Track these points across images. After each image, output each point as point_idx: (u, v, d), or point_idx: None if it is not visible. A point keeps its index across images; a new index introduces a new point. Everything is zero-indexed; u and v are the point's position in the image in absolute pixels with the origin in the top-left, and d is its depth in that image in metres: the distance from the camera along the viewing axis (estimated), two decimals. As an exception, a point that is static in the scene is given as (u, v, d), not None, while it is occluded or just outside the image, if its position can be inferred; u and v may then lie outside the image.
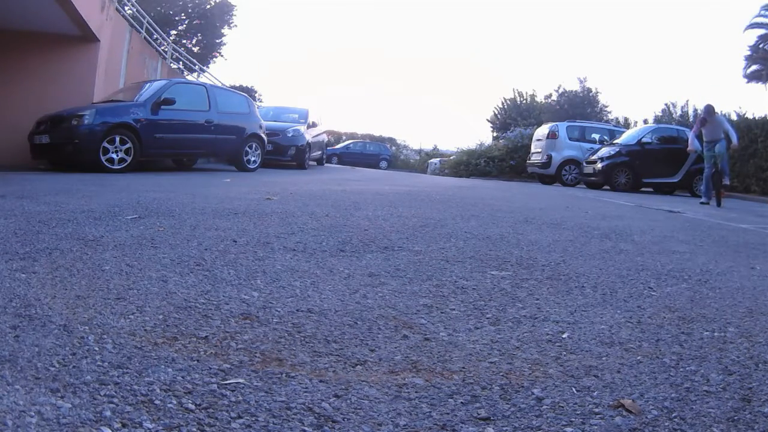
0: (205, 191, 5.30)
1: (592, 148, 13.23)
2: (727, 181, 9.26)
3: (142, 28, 12.99)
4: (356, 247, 2.83)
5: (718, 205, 8.27)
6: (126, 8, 12.62)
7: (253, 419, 1.10)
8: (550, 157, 13.71)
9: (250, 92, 22.40)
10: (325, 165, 17.01)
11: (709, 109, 8.90)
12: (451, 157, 21.91)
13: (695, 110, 20.39)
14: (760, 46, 22.93)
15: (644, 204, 7.58)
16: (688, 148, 9.41)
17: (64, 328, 1.50)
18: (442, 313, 1.87)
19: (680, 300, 2.18)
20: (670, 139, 12.38)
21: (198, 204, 4.14)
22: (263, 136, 10.32)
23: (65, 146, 7.29)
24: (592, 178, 12.24)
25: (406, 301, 1.97)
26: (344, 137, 33.26)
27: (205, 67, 20.95)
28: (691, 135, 9.40)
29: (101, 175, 6.74)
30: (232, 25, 27.27)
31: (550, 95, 27.12)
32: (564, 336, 1.70)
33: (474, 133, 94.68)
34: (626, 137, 12.73)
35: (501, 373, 1.40)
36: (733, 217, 6.18)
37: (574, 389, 1.32)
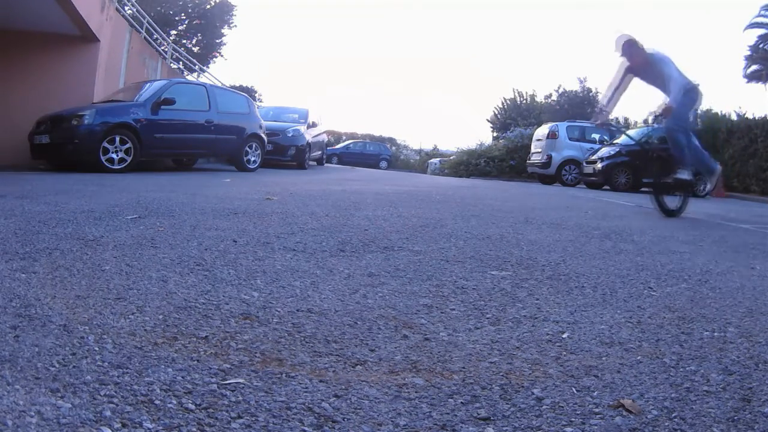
0: (205, 191, 5.30)
1: (592, 148, 13.23)
2: (683, 175, 4.93)
3: (142, 28, 13.00)
4: (356, 247, 2.83)
5: (663, 209, 5.16)
6: (126, 8, 12.62)
7: (253, 419, 1.10)
8: (550, 157, 13.73)
9: (250, 92, 22.42)
10: (325, 165, 17.01)
11: (628, 42, 4.89)
12: (451, 157, 21.95)
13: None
14: (760, 46, 22.93)
15: (644, 204, 7.58)
16: (596, 121, 5.79)
17: (64, 328, 1.50)
18: (442, 313, 1.87)
19: (680, 300, 2.18)
20: (670, 139, 12.34)
21: (198, 204, 4.14)
22: (263, 136, 10.33)
23: (65, 146, 7.30)
24: (592, 178, 12.24)
25: (406, 301, 1.97)
26: (344, 137, 33.29)
27: (205, 67, 20.97)
28: (606, 93, 5.45)
29: (101, 175, 6.74)
30: (232, 25, 27.37)
31: (550, 95, 27.21)
32: (564, 336, 1.70)
33: (474, 133, 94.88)
34: (626, 137, 12.71)
35: (501, 373, 1.40)
36: (733, 217, 6.18)
37: (574, 389, 1.32)
